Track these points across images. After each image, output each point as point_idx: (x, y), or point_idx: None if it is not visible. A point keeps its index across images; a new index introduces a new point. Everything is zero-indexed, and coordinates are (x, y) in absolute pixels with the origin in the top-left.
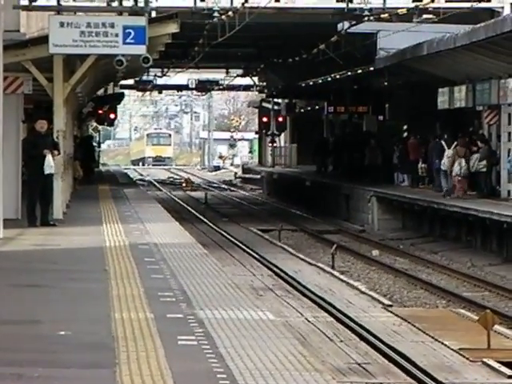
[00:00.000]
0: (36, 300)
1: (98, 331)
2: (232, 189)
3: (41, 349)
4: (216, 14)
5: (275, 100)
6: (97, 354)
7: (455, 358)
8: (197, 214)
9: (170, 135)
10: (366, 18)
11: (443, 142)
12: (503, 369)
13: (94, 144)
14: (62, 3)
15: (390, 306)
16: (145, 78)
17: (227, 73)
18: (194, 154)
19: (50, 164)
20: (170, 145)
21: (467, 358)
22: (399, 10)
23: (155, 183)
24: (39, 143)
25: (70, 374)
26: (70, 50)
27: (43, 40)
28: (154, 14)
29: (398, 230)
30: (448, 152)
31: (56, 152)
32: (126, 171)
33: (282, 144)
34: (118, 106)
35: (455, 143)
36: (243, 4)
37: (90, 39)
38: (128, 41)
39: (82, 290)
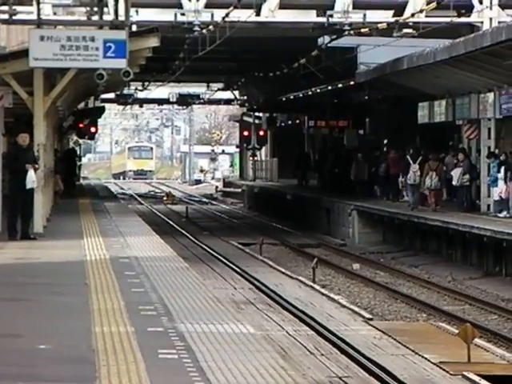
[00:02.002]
0: (16, 314)
1: (78, 345)
2: (213, 202)
3: (21, 363)
4: (196, 28)
5: (256, 114)
6: (77, 368)
7: (435, 372)
8: (178, 228)
9: (151, 148)
10: (346, 33)
11: (408, 157)
12: (483, 382)
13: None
14: (43, 17)
15: (371, 319)
16: (125, 91)
17: (208, 87)
18: (174, 168)
19: (32, 179)
20: (151, 158)
21: (447, 372)
22: (379, 25)
23: (136, 197)
24: (21, 157)
25: None
26: (51, 64)
27: (23, 54)
28: (134, 28)
29: (378, 243)
30: (413, 166)
31: (37, 166)
32: (106, 185)
33: (263, 158)
34: (98, 120)
35: (420, 158)
36: (223, 18)
37: (70, 53)
38: (108, 54)
39: (62, 303)
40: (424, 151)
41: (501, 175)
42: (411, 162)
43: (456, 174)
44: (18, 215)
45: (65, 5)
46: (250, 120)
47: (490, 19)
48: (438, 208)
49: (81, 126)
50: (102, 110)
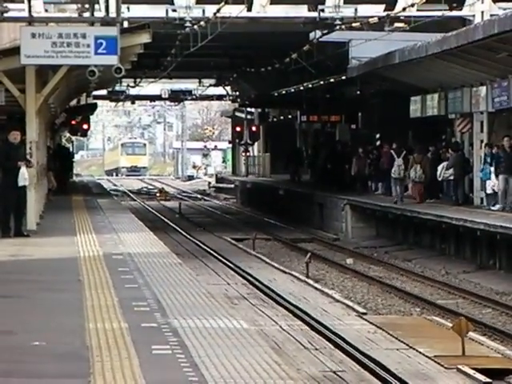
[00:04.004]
0: (9, 311)
1: (72, 341)
2: (206, 198)
3: (15, 359)
4: (188, 24)
5: (248, 109)
6: (71, 365)
7: (430, 365)
8: (171, 224)
9: (144, 145)
10: (337, 27)
11: (392, 152)
12: (478, 375)
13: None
14: (34, 14)
15: (365, 313)
16: (117, 88)
17: (200, 82)
18: (167, 164)
19: (25, 176)
20: (145, 154)
21: (442, 365)
22: (371, 19)
23: (129, 193)
24: (13, 154)
25: None
26: (42, 61)
27: (15, 51)
28: (125, 24)
29: (371, 238)
30: (398, 160)
31: (32, 163)
32: (99, 182)
33: (256, 153)
34: (91, 117)
35: (404, 152)
36: (215, 14)
37: (61, 50)
38: (100, 51)
39: (55, 300)
40: (415, 145)
41: (494, 168)
42: (395, 156)
43: (439, 168)
44: (10, 212)
45: (56, 2)
46: (243, 116)
47: (482, 12)
48: (421, 201)
49: (73, 122)
50: (94, 106)
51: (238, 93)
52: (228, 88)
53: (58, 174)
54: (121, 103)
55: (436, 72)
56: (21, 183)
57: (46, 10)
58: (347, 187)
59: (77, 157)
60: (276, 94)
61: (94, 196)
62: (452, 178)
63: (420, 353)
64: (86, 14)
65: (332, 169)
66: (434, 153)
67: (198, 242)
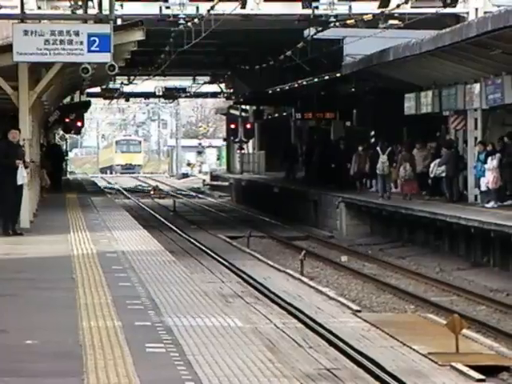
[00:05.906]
0: (2, 309)
1: (65, 340)
2: (200, 196)
3: (7, 358)
4: (182, 22)
5: (243, 107)
6: (64, 363)
7: (424, 363)
8: (165, 222)
9: (139, 142)
10: (332, 24)
11: (378, 148)
12: (471, 372)
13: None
14: (27, 11)
15: (359, 311)
16: (111, 85)
17: (194, 80)
18: (162, 162)
19: (23, 174)
20: (140, 152)
21: (436, 363)
22: (365, 16)
23: (123, 191)
24: (11, 153)
25: (38, 383)
26: (35, 58)
27: (8, 48)
28: (119, 22)
29: (366, 235)
30: (382, 157)
31: (31, 162)
32: (93, 179)
33: (250, 151)
34: (84, 114)
35: (389, 149)
36: (209, 11)
37: (54, 47)
38: (93, 49)
39: (48, 298)
40: (408, 142)
41: (487, 166)
42: (380, 153)
43: (431, 165)
44: (9, 211)
45: None
46: (237, 113)
47: (476, 9)
48: (410, 197)
49: (67, 120)
50: (88, 104)
51: (232, 90)
52: (222, 85)
53: (51, 172)
54: (115, 101)
55: (430, 69)
56: (19, 182)
57: (39, 8)
58: (348, 185)
59: (71, 154)
60: (270, 92)
61: (87, 194)
62: (444, 174)
63: (414, 350)
64: (79, 12)
65: (332, 167)
66: (435, 149)
67: (192, 240)
